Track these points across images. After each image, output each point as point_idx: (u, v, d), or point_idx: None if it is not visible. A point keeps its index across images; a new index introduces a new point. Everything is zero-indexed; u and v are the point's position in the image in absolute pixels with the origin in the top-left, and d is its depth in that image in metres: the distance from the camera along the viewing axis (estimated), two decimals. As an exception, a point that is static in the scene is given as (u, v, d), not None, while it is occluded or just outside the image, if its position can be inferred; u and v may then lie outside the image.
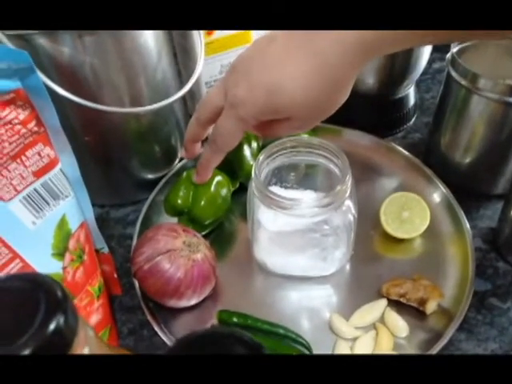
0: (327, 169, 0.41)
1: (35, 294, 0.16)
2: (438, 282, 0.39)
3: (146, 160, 0.49)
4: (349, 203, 0.37)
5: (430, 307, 0.36)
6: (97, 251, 0.37)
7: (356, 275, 0.42)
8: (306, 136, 0.47)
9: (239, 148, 0.48)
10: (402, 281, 0.38)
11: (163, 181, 0.49)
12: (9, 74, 0.26)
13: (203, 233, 0.44)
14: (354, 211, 0.38)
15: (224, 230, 0.47)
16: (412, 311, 0.38)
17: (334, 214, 0.37)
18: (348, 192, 0.36)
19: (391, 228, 0.42)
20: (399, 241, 0.43)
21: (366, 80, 0.52)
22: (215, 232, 0.46)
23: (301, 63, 0.31)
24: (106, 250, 0.38)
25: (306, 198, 0.37)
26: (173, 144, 0.51)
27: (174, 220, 0.45)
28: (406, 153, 0.51)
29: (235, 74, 0.34)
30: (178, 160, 0.52)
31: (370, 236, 0.44)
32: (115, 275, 0.40)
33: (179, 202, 0.43)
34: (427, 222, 0.42)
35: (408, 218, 0.42)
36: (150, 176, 0.50)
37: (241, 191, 0.49)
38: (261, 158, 0.39)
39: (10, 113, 0.27)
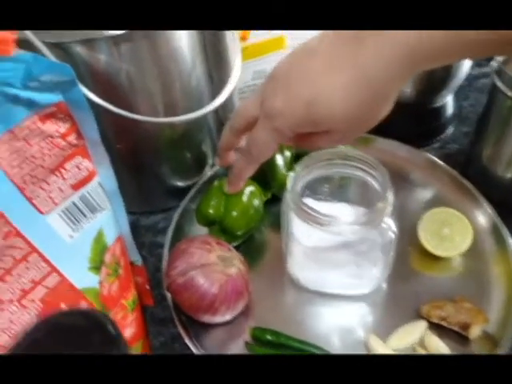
0: (364, 182, 0.39)
1: (90, 331, 0.15)
2: (481, 305, 0.37)
3: (177, 167, 0.48)
4: (389, 220, 0.36)
5: (474, 332, 0.35)
6: (131, 263, 0.37)
7: (393, 293, 0.40)
8: (343, 147, 0.46)
9: (272, 157, 0.47)
10: (442, 302, 0.37)
11: (194, 189, 0.48)
12: (51, 86, 0.25)
13: (234, 244, 0.44)
14: (394, 228, 0.36)
15: (255, 241, 0.46)
16: (454, 335, 0.36)
17: (372, 232, 0.36)
18: (389, 209, 0.35)
19: (431, 245, 0.40)
20: (438, 258, 0.41)
21: (404, 88, 0.51)
22: (246, 243, 0.45)
23: (342, 75, 0.30)
24: (139, 262, 0.38)
25: (344, 215, 0.36)
26: (204, 151, 0.50)
27: (205, 229, 0.45)
28: (444, 164, 0.49)
29: (273, 83, 0.33)
30: (209, 167, 0.51)
31: (407, 252, 0.42)
32: (147, 287, 0.39)
33: (211, 211, 0.42)
34: (469, 241, 0.40)
35: (448, 235, 0.41)
36: (181, 183, 0.49)
37: (273, 201, 0.48)
38: (297, 169, 0.38)
39: (50, 126, 0.26)
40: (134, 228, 0.49)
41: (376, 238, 0.37)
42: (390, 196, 0.35)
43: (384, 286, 0.40)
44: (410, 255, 0.42)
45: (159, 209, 0.50)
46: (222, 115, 0.58)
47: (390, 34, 0.28)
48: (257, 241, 0.46)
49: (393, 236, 0.36)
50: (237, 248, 0.43)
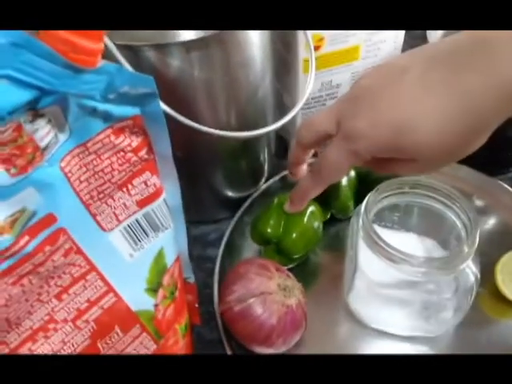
0: (441, 215, 0.36)
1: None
2: None
3: (232, 178, 0.46)
4: (471, 264, 0.32)
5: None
6: (183, 280, 0.35)
7: (462, 340, 0.36)
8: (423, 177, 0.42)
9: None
10: (522, 358, 0.33)
11: (248, 202, 0.46)
12: (130, 99, 0.23)
13: (289, 266, 0.41)
14: (475, 271, 0.33)
15: (309, 264, 0.43)
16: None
17: (451, 275, 0.32)
18: (473, 254, 0.31)
19: (510, 291, 0.37)
20: (515, 305, 0.37)
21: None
22: (300, 265, 0.42)
23: (441, 102, 0.27)
24: (192, 279, 0.35)
25: (417, 254, 0.32)
26: (261, 163, 0.48)
27: (257, 246, 0.43)
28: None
29: (355, 103, 0.30)
30: (264, 180, 0.49)
31: (479, 294, 0.38)
32: (196, 305, 0.37)
33: (269, 230, 0.40)
34: (554, 289, 0.36)
35: (531, 281, 0.37)
36: (234, 195, 0.47)
37: (330, 221, 0.45)
38: (373, 196, 0.35)
39: (123, 140, 0.25)
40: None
41: (451, 281, 0.34)
42: (477, 240, 0.31)
43: (452, 330, 0.37)
44: (483, 298, 0.38)
45: (210, 219, 0.48)
46: (280, 128, 0.55)
47: (499, 61, 0.25)
48: (311, 263, 0.43)
49: (473, 280, 0.33)
50: (290, 270, 0.40)
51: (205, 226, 0.48)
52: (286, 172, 0.49)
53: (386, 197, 0.36)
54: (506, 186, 0.46)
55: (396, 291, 0.35)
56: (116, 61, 0.31)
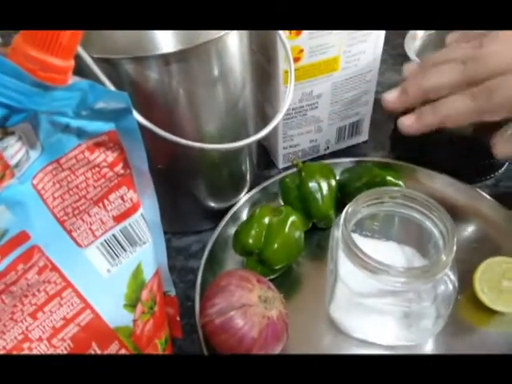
0: (419, 224, 0.36)
1: None
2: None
3: (215, 189, 0.46)
4: (449, 273, 0.33)
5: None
6: (163, 294, 0.34)
7: (442, 348, 0.37)
8: (392, 182, 0.43)
9: (315, 185, 0.44)
10: (501, 365, 0.33)
11: (230, 213, 0.46)
12: (104, 115, 0.23)
13: (271, 276, 0.41)
14: (453, 279, 0.33)
15: (292, 274, 0.43)
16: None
17: (429, 285, 0.33)
18: (451, 262, 0.32)
19: (489, 299, 0.37)
20: (494, 312, 0.38)
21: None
22: (283, 275, 0.42)
23: None
24: (173, 292, 0.35)
25: (396, 263, 0.32)
26: (243, 174, 0.48)
27: (240, 257, 0.42)
28: (498, 204, 0.45)
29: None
30: (246, 190, 0.49)
31: (458, 302, 0.39)
32: (178, 318, 0.37)
33: (250, 241, 0.40)
34: (531, 296, 0.37)
35: (508, 288, 0.37)
36: (216, 206, 0.47)
37: (312, 231, 0.45)
38: (353, 207, 0.35)
39: (98, 155, 0.24)
40: (166, 249, 0.47)
41: (430, 289, 0.34)
42: (454, 248, 0.32)
43: (433, 338, 0.37)
44: (462, 306, 0.39)
45: (192, 230, 0.47)
46: (262, 139, 0.55)
47: None
48: (294, 273, 0.43)
49: (452, 288, 0.33)
50: (272, 280, 0.40)
51: (187, 237, 0.47)
52: (268, 182, 0.49)
53: (365, 207, 0.36)
54: (484, 193, 0.46)
55: (377, 301, 0.35)
56: (93, 75, 0.31)
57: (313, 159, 0.53)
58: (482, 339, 0.37)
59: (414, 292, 0.34)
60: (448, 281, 0.33)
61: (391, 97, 0.29)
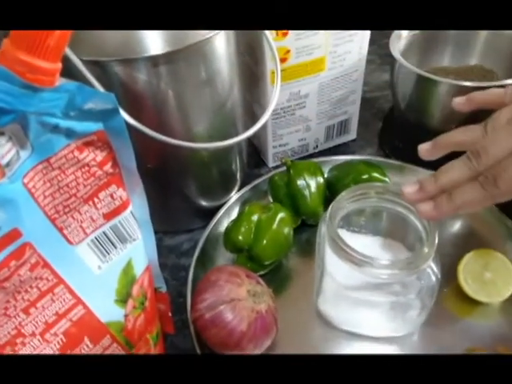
0: (403, 218, 0.37)
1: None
2: (525, 359, 0.34)
3: (205, 188, 0.47)
4: (432, 265, 0.34)
5: (519, 391, 0.32)
6: (155, 290, 0.35)
7: (427, 339, 0.38)
8: (379, 178, 0.44)
9: (303, 182, 0.45)
10: (483, 352, 0.35)
11: (221, 211, 0.47)
12: (92, 115, 0.24)
13: (262, 272, 0.42)
14: (437, 271, 0.34)
15: (282, 270, 0.44)
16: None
17: (413, 276, 0.34)
18: (433, 254, 0.33)
19: (472, 289, 0.38)
20: (478, 303, 0.39)
21: (443, 116, 0.48)
22: (273, 270, 0.43)
23: None
24: (164, 288, 0.36)
25: (381, 256, 0.33)
26: (233, 173, 0.48)
27: (231, 254, 0.43)
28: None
29: None
30: (236, 189, 0.50)
31: (443, 294, 0.40)
32: (170, 314, 0.38)
33: (240, 238, 0.41)
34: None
35: (491, 279, 0.38)
36: (207, 204, 0.48)
37: (302, 227, 0.46)
38: (338, 202, 0.36)
39: (88, 155, 0.25)
40: (158, 248, 0.48)
41: (414, 281, 0.35)
42: (436, 241, 0.33)
43: (418, 329, 0.38)
44: (446, 298, 0.40)
45: (184, 229, 0.48)
46: (251, 136, 0.56)
47: None
48: (284, 269, 0.44)
49: (435, 280, 0.34)
50: (263, 276, 0.41)
51: (179, 236, 0.48)
52: (258, 181, 0.50)
53: (350, 202, 0.37)
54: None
55: (363, 293, 0.36)
56: (84, 77, 0.32)
57: (302, 158, 0.54)
58: (466, 329, 0.38)
59: (399, 284, 0.35)
60: (431, 273, 0.34)
61: (410, 191, 0.33)
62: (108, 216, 0.28)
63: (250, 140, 0.56)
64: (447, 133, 0.33)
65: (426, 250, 0.32)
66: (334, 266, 0.35)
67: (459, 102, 0.37)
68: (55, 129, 0.22)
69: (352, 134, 0.56)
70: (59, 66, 0.19)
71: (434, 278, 0.34)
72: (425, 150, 0.34)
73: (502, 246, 0.42)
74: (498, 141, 0.29)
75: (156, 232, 0.48)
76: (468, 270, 0.39)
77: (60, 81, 0.21)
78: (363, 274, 0.33)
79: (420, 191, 0.32)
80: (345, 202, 0.36)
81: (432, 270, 0.34)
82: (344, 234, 0.40)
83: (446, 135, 0.33)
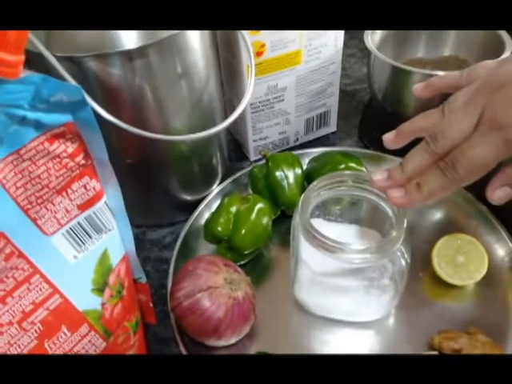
0: (376, 205, 0.38)
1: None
2: (496, 338, 0.35)
3: (186, 181, 0.48)
4: (402, 248, 0.35)
5: (488, 368, 0.33)
6: (134, 280, 0.36)
7: (402, 321, 0.39)
8: (355, 168, 0.45)
9: (282, 174, 0.46)
10: (456, 334, 0.36)
11: (202, 205, 0.47)
12: (60, 107, 0.25)
13: (241, 262, 0.43)
14: (407, 256, 0.35)
15: (262, 260, 0.45)
16: (467, 370, 0.35)
17: (383, 259, 0.35)
18: (402, 238, 0.34)
19: (445, 273, 0.39)
20: (452, 286, 0.40)
21: (419, 106, 0.49)
22: (253, 260, 0.44)
23: None
24: (143, 279, 0.37)
25: (353, 239, 0.34)
26: (214, 166, 0.49)
27: (213, 246, 0.44)
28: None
29: (504, 93, 0.28)
30: (217, 182, 0.50)
31: (418, 278, 0.41)
32: (151, 304, 0.38)
33: (219, 229, 0.41)
34: (484, 270, 0.39)
35: (463, 263, 0.39)
36: (189, 198, 0.49)
37: (281, 218, 0.47)
38: (309, 191, 0.37)
39: (58, 146, 0.26)
40: (140, 242, 0.49)
41: (387, 265, 0.36)
42: (404, 225, 0.34)
43: (394, 313, 0.39)
44: (421, 282, 0.41)
45: (166, 223, 0.49)
46: (232, 129, 0.57)
47: None
48: (264, 259, 0.45)
49: (404, 264, 0.35)
50: (243, 266, 0.42)
51: (162, 229, 0.49)
52: (239, 174, 0.50)
53: (323, 191, 0.38)
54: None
55: (337, 279, 0.37)
56: (58, 73, 0.33)
57: (283, 151, 0.55)
58: (440, 312, 0.39)
59: (372, 269, 0.36)
60: (401, 256, 0.35)
61: (379, 179, 0.33)
62: (82, 207, 0.28)
63: (231, 135, 0.57)
64: (409, 120, 0.34)
65: (394, 233, 0.33)
66: (307, 253, 0.36)
67: (417, 89, 0.38)
68: (23, 121, 0.23)
69: (332, 127, 0.57)
70: (22, 57, 0.20)
71: (403, 262, 0.35)
72: (389, 140, 0.35)
73: (475, 230, 0.43)
74: (455, 122, 0.29)
75: (139, 226, 0.49)
76: (441, 254, 0.40)
77: (25, 73, 0.21)
78: (336, 260, 0.34)
79: (388, 179, 0.33)
80: (317, 191, 0.37)
81: (403, 255, 0.35)
82: (320, 222, 0.41)
83: (408, 123, 0.34)
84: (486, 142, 0.28)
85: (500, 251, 0.42)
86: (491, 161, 0.29)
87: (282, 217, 0.47)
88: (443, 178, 0.30)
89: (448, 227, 0.44)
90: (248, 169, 0.50)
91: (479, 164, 0.29)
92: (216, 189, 0.49)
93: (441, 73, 0.46)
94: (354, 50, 0.72)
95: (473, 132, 0.29)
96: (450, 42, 0.55)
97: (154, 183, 0.46)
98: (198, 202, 0.48)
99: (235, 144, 0.57)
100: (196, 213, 0.47)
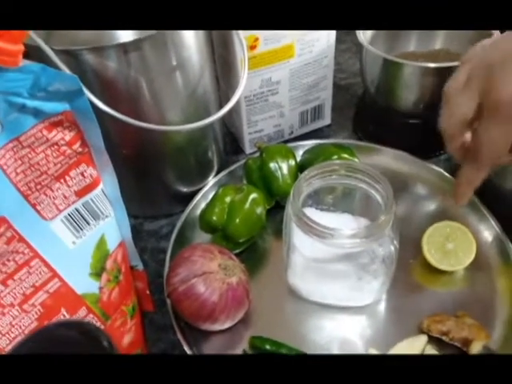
0: (367, 194, 0.39)
1: (83, 344, 0.15)
2: (483, 320, 0.37)
3: (182, 173, 0.49)
4: (390, 233, 0.36)
5: (475, 349, 0.34)
6: (131, 268, 0.37)
7: (394, 307, 0.40)
8: (348, 159, 0.46)
9: (276, 165, 0.47)
10: (444, 317, 0.37)
11: (199, 195, 0.48)
12: (58, 96, 0.26)
13: (237, 251, 0.44)
14: (395, 242, 0.36)
15: (257, 249, 0.46)
16: (454, 351, 0.36)
17: (373, 244, 0.36)
18: (391, 223, 0.35)
19: (435, 259, 0.40)
20: (441, 272, 0.41)
21: (410, 98, 0.51)
22: (248, 250, 0.45)
23: None
24: (140, 266, 0.38)
25: (345, 228, 0.35)
26: (209, 157, 0.50)
27: (209, 236, 0.45)
28: (450, 176, 0.49)
29: (500, 72, 0.29)
30: (213, 174, 0.51)
31: (409, 265, 0.42)
32: (148, 292, 0.39)
33: (214, 218, 0.42)
34: (472, 256, 0.40)
35: (452, 250, 0.40)
36: (185, 189, 0.50)
37: (276, 209, 0.48)
38: (300, 181, 0.38)
39: (56, 134, 0.27)
40: (138, 232, 0.50)
41: (377, 251, 0.37)
42: (393, 210, 0.35)
43: (385, 298, 0.40)
44: (412, 268, 0.42)
45: (163, 214, 0.50)
46: (228, 122, 0.58)
47: None
48: (259, 248, 0.46)
49: (393, 249, 0.36)
50: (239, 255, 0.43)
51: (159, 220, 0.50)
52: (234, 166, 0.51)
53: (315, 180, 0.39)
54: (433, 166, 0.50)
55: (329, 265, 0.38)
56: (56, 66, 0.34)
57: (278, 144, 0.56)
58: (430, 297, 0.40)
59: (363, 254, 0.37)
60: (390, 241, 0.36)
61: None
62: (80, 193, 0.29)
63: (227, 128, 0.58)
64: (459, 172, 0.36)
65: (383, 217, 0.34)
66: (299, 240, 0.37)
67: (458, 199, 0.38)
68: (23, 108, 0.24)
69: (326, 120, 0.58)
70: (22, 47, 0.21)
71: (392, 248, 0.36)
72: (461, 200, 0.38)
73: (464, 218, 0.44)
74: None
75: (137, 217, 0.50)
76: (431, 241, 0.41)
77: (24, 62, 0.22)
78: (327, 245, 0.35)
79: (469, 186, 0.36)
80: (309, 180, 0.38)
81: (391, 238, 0.36)
82: (313, 212, 0.42)
83: (460, 172, 0.36)
84: (493, 128, 0.30)
85: (488, 237, 0.43)
86: (504, 144, 0.30)
87: (277, 207, 0.48)
88: (470, 169, 0.34)
89: (438, 215, 0.45)
90: (243, 161, 0.51)
91: (494, 150, 0.31)
92: (212, 181, 0.50)
93: (430, 64, 0.47)
94: (349, 45, 0.73)
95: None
96: (442, 35, 0.55)
97: (151, 174, 0.47)
98: (194, 194, 0.49)
99: (231, 137, 0.58)
100: (192, 204, 0.48)
